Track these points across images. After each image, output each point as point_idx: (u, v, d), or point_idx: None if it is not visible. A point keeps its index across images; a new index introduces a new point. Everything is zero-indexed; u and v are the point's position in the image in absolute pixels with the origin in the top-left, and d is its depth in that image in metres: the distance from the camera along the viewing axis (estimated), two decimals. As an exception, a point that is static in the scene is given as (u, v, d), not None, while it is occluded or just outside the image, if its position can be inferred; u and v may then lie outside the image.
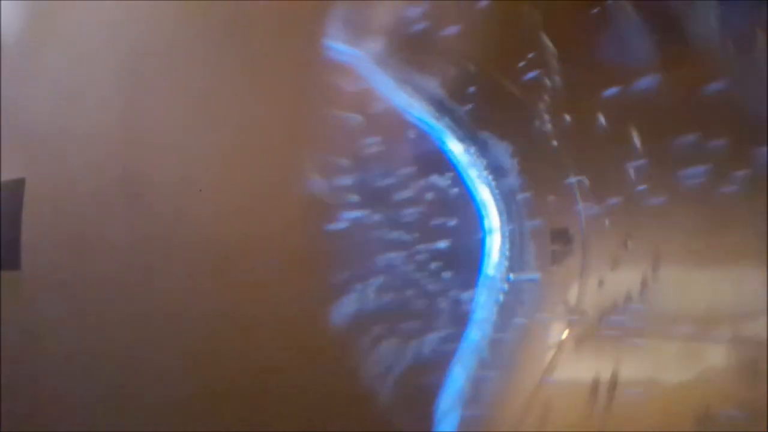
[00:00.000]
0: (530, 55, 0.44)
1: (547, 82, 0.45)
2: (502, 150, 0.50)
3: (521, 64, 0.45)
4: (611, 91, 0.42)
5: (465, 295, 0.53)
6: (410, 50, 0.49)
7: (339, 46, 0.51)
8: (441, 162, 0.53)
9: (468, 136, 0.51)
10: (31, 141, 0.84)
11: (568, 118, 0.46)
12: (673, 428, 0.39)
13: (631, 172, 0.43)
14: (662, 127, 0.42)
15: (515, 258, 0.51)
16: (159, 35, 0.76)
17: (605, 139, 0.43)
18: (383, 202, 0.56)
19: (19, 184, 0.81)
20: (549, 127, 0.46)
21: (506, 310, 0.51)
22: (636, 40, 0.41)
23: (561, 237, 0.48)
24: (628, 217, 0.44)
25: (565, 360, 0.45)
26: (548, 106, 0.46)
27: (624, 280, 0.43)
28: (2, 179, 0.82)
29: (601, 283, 0.45)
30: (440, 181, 0.55)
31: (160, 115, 0.76)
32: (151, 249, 0.74)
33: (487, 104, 0.48)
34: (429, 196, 0.55)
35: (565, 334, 0.46)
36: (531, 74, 0.45)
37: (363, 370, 0.55)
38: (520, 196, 0.51)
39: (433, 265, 0.55)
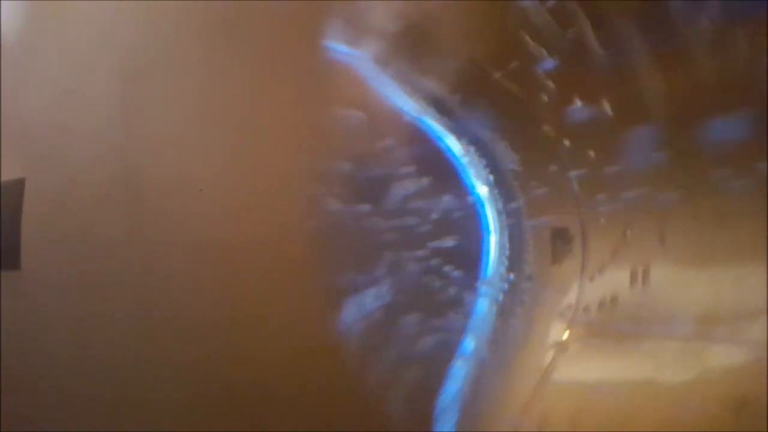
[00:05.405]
0: (530, 55, 0.44)
1: (547, 81, 0.45)
2: (502, 150, 0.50)
3: (520, 63, 0.45)
4: (611, 90, 0.42)
5: (465, 295, 0.53)
6: (410, 50, 0.49)
7: (339, 46, 0.51)
8: (441, 162, 0.53)
9: (468, 136, 0.51)
10: (31, 141, 0.84)
11: (567, 118, 0.46)
12: (673, 428, 0.39)
13: (631, 172, 0.43)
14: (663, 126, 0.42)
15: (515, 258, 0.51)
16: (159, 35, 0.76)
17: (605, 139, 0.43)
18: (383, 203, 0.56)
19: (19, 184, 0.81)
20: (548, 126, 0.46)
21: (506, 310, 0.51)
22: (635, 40, 0.41)
23: (561, 237, 0.48)
24: (628, 218, 0.44)
25: (565, 360, 0.45)
26: (548, 105, 0.46)
27: (624, 280, 0.43)
28: (2, 179, 0.82)
29: (600, 283, 0.45)
30: (440, 181, 0.55)
31: (160, 115, 0.76)
32: (151, 249, 0.74)
33: (486, 104, 0.48)
34: (429, 196, 0.55)
35: (565, 335, 0.46)
36: (530, 74, 0.45)
37: (364, 370, 0.55)
38: (519, 196, 0.51)
39: (434, 265, 0.55)
